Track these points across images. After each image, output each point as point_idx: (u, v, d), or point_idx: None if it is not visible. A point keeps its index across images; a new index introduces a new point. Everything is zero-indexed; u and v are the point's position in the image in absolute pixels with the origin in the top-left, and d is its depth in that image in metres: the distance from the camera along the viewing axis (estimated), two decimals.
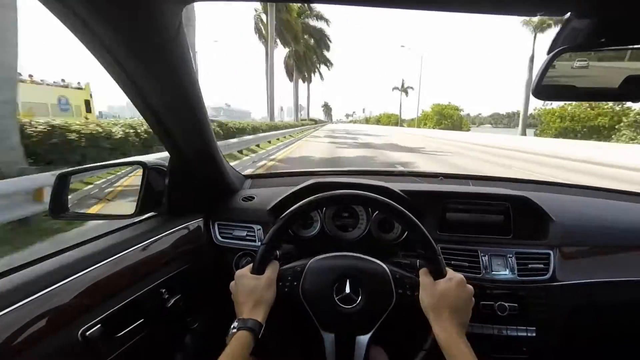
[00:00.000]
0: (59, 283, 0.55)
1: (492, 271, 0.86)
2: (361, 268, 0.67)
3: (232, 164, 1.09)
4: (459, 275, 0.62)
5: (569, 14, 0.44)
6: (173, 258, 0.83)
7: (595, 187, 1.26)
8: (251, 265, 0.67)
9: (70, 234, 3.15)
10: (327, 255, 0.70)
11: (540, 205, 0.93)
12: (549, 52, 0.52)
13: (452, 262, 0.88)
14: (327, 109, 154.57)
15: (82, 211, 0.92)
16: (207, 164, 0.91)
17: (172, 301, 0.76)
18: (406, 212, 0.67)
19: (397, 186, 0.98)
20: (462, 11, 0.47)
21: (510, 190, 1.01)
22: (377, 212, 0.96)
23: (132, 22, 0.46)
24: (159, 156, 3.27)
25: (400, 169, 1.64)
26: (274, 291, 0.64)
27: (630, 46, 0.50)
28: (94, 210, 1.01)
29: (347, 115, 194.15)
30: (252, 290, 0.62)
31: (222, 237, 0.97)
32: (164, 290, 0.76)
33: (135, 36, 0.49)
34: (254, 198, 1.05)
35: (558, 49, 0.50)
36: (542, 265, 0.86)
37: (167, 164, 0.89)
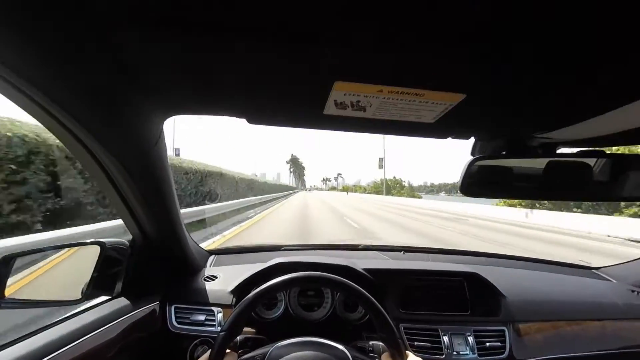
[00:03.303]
0: None
1: (454, 351, 0.87)
2: (323, 357, 0.65)
3: None
4: (418, 359, 0.63)
5: (472, 137, 0.58)
6: (119, 351, 0.75)
7: (538, 259, 1.38)
8: (207, 356, 0.63)
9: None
10: (290, 341, 0.68)
11: (491, 281, 1.00)
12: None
13: (415, 342, 0.88)
14: (296, 166, 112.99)
15: (20, 298, 0.83)
16: (172, 243, 0.90)
17: None
18: (368, 296, 0.69)
19: (361, 264, 1.02)
20: (396, 134, 0.60)
21: (463, 267, 1.08)
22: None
23: (116, 132, 0.52)
24: None
25: (365, 243, 1.69)
26: None
27: (527, 158, 0.64)
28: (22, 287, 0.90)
29: (325, 181, 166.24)
30: None
31: (179, 323, 0.91)
32: None
33: (118, 144, 0.54)
34: (217, 277, 1.02)
35: (472, 158, 0.63)
36: (499, 343, 0.89)
37: (125, 243, 0.87)
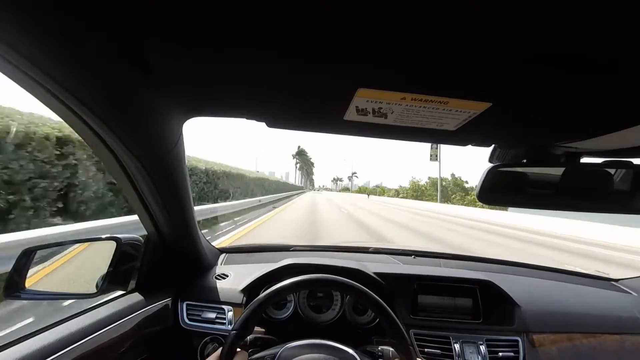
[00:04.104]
0: None
1: None
2: None
3: None
4: None
5: (492, 145, 0.57)
6: (133, 345, 0.76)
7: (555, 268, 1.35)
8: (218, 353, 0.64)
9: None
10: (300, 343, 0.68)
11: (506, 290, 0.97)
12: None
13: (426, 349, 0.87)
14: (304, 162, 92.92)
15: (39, 289, 0.86)
16: (185, 241, 0.91)
17: None
18: (379, 300, 0.68)
19: (371, 267, 1.01)
20: (416, 141, 0.59)
21: (477, 274, 1.06)
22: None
23: (137, 133, 0.53)
24: None
25: (375, 245, 1.68)
26: None
27: (547, 167, 0.62)
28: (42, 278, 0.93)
29: (336, 181, 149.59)
30: None
31: (190, 320, 0.92)
32: None
33: (139, 145, 0.55)
34: (228, 276, 1.03)
35: (492, 165, 0.62)
36: (512, 354, 0.87)
37: (140, 240, 0.88)
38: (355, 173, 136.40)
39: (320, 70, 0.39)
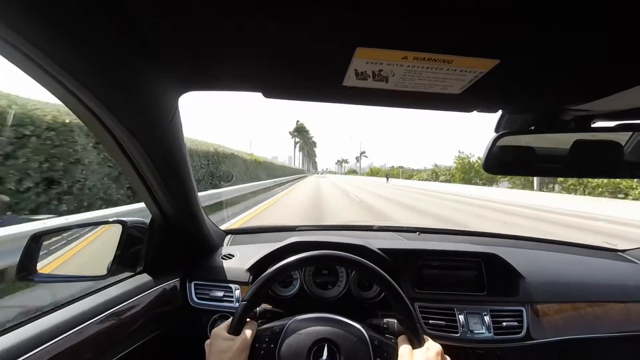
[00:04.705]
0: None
1: (469, 330, 0.87)
2: (340, 333, 0.66)
3: None
4: (437, 346, 0.62)
5: (499, 111, 0.55)
6: (145, 323, 0.79)
7: (563, 241, 1.34)
8: (228, 322, 0.65)
9: None
10: (308, 316, 0.69)
11: (510, 262, 0.98)
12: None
13: (430, 321, 0.88)
14: (305, 141, 77.67)
15: (51, 272, 0.88)
16: (189, 223, 0.92)
17: None
18: (384, 275, 0.69)
19: (376, 244, 1.02)
20: (419, 108, 0.57)
21: (481, 247, 1.06)
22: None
23: (130, 107, 0.52)
24: None
25: (379, 224, 1.69)
26: (247, 355, 0.62)
27: (554, 133, 0.60)
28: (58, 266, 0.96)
29: (340, 163, 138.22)
30: (223, 353, 0.60)
31: (198, 299, 0.94)
32: None
33: (133, 120, 0.54)
34: (233, 256, 1.04)
35: (498, 133, 0.60)
36: (516, 323, 0.88)
37: (146, 222, 0.89)
38: (364, 152, 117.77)
39: (316, 30, 0.37)
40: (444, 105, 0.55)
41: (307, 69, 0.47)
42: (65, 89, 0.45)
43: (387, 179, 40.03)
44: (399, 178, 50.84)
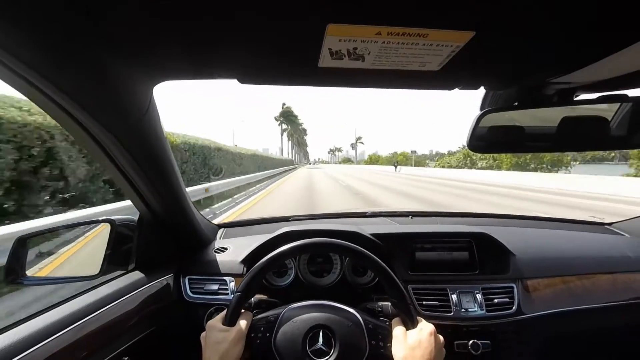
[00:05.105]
0: None
1: (462, 308, 0.89)
2: (335, 319, 0.67)
3: None
4: (430, 326, 0.63)
5: (482, 87, 0.54)
6: (140, 320, 0.78)
7: (549, 217, 1.37)
8: (223, 314, 0.65)
9: None
10: (302, 304, 0.70)
11: (500, 240, 0.99)
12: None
13: (424, 302, 0.90)
14: (293, 128, 68.31)
15: (41, 275, 0.87)
16: (179, 218, 0.91)
17: None
18: (377, 259, 0.69)
19: (369, 229, 1.02)
20: (400, 87, 0.56)
21: (471, 227, 1.07)
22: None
23: (101, 100, 0.50)
24: None
25: (372, 210, 1.71)
26: (243, 345, 0.62)
27: (538, 108, 0.60)
28: (51, 270, 0.95)
29: (333, 151, 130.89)
30: (218, 344, 0.60)
31: (193, 293, 0.94)
32: (126, 359, 0.71)
33: (106, 113, 0.52)
34: (227, 249, 1.04)
35: (482, 111, 0.60)
36: (507, 299, 0.90)
37: (135, 220, 0.88)
38: (360, 138, 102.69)
39: (285, 7, 0.36)
40: (424, 83, 0.55)
41: (280, 51, 0.46)
42: (32, 85, 0.43)
43: (396, 167, 32.62)
44: (408, 166, 40.82)
